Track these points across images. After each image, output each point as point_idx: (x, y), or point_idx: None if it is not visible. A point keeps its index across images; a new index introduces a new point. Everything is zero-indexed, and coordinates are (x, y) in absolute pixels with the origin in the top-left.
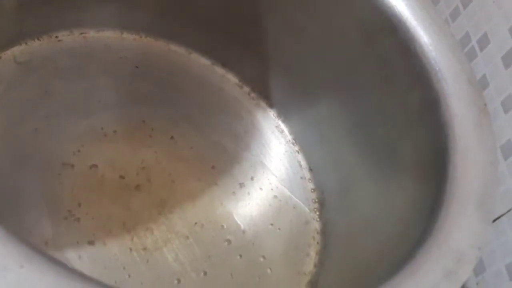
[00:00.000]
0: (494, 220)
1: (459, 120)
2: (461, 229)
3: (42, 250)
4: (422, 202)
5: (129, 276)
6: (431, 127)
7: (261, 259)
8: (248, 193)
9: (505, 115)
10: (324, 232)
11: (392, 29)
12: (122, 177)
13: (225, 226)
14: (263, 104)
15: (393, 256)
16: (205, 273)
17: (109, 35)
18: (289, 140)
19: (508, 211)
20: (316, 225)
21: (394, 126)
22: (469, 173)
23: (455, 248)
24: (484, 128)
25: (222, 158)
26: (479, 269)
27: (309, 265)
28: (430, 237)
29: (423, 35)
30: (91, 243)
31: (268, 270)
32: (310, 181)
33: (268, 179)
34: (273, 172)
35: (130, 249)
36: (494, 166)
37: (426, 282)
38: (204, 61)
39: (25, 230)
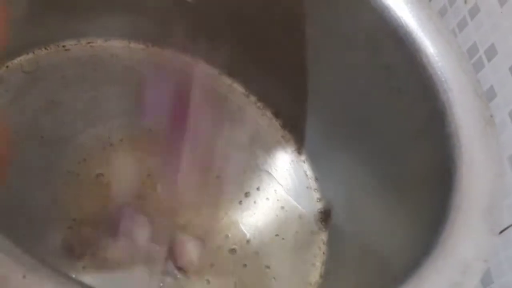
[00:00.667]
0: (502, 231)
1: (465, 131)
2: (467, 241)
3: (46, 261)
4: (428, 213)
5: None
6: (437, 139)
7: (266, 269)
8: (254, 203)
9: None
10: (330, 242)
11: (399, 40)
12: (127, 186)
13: (230, 236)
14: (269, 113)
15: (398, 267)
16: (208, 282)
17: (116, 45)
18: (295, 150)
19: None
20: (322, 235)
21: (399, 136)
22: (475, 185)
23: (461, 260)
24: (490, 139)
25: (228, 167)
26: (487, 280)
27: (315, 276)
28: (436, 248)
29: (430, 45)
30: (94, 253)
31: (273, 280)
32: (316, 191)
33: (274, 189)
34: (279, 181)
35: (133, 258)
36: (500, 177)
37: None
38: (211, 70)
39: (30, 239)
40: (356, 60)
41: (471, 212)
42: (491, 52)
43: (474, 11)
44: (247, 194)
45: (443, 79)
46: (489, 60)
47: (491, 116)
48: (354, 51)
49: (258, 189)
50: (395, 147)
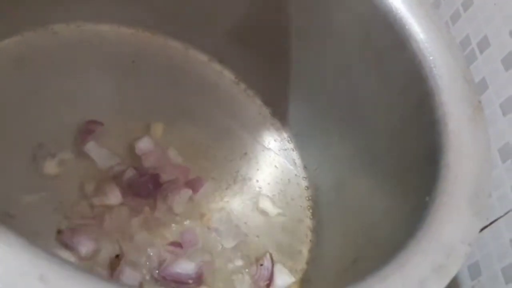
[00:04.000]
0: (491, 223)
1: (453, 116)
2: (452, 224)
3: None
4: (414, 197)
5: None
6: (425, 124)
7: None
8: (242, 190)
9: (503, 117)
10: (317, 230)
11: (389, 26)
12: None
13: (215, 219)
14: (259, 101)
15: (384, 250)
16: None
17: (106, 29)
18: (284, 138)
19: (506, 213)
20: (309, 222)
21: (389, 122)
22: (462, 170)
23: (446, 243)
24: (478, 125)
25: (217, 153)
26: (475, 272)
27: (301, 263)
28: (421, 231)
29: (420, 32)
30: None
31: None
32: (304, 179)
33: (262, 176)
34: (266, 169)
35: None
36: (487, 162)
37: (414, 275)
38: (201, 57)
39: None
40: (346, 45)
41: (458, 196)
42: (484, 44)
43: (467, 4)
44: (235, 181)
45: (432, 65)
46: (481, 52)
47: (479, 101)
48: (344, 37)
49: (246, 175)
50: (384, 132)
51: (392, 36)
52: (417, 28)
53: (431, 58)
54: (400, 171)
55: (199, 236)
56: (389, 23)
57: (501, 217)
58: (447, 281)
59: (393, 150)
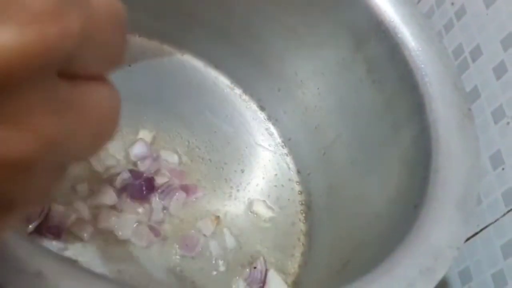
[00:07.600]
0: (481, 230)
1: (443, 123)
2: (440, 229)
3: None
4: (405, 202)
5: None
6: (416, 130)
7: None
8: (236, 193)
9: (495, 125)
10: (310, 233)
11: (381, 34)
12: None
13: (210, 224)
14: (254, 106)
15: (374, 253)
16: (181, 271)
17: None
18: (278, 143)
19: (496, 220)
20: (302, 226)
21: (381, 128)
22: (451, 175)
23: (434, 247)
24: (468, 132)
25: (211, 158)
26: (466, 278)
27: (294, 266)
28: (410, 235)
29: (411, 40)
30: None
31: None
32: (297, 183)
33: (256, 181)
34: (261, 173)
35: None
36: (476, 169)
37: (402, 277)
38: (196, 62)
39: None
40: (339, 53)
41: (446, 201)
42: (476, 53)
43: (460, 13)
44: (229, 185)
45: (423, 73)
46: (474, 60)
47: (469, 109)
48: (337, 44)
49: (240, 179)
50: (376, 139)
51: (384, 44)
52: (409, 37)
53: (422, 66)
54: (391, 177)
55: (198, 242)
56: (382, 32)
57: (491, 224)
58: (434, 283)
59: (385, 154)
